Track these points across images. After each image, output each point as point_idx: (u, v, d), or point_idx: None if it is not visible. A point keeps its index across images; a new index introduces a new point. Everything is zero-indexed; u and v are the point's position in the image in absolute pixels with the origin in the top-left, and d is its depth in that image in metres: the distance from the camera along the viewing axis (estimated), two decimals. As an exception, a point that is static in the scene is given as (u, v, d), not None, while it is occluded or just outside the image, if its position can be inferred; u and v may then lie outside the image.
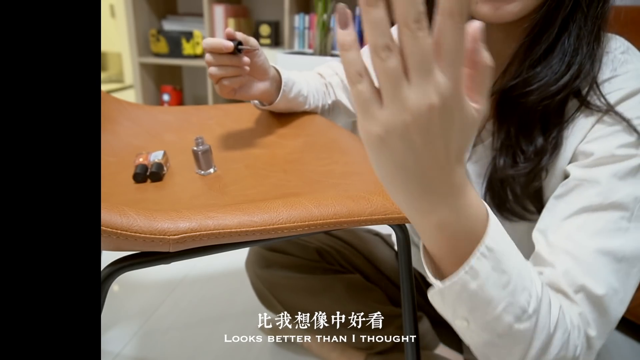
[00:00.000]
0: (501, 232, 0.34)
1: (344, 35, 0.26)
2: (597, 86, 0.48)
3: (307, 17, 2.01)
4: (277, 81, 0.68)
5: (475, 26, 0.26)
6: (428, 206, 0.30)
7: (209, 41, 0.57)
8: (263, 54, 0.63)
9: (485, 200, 0.55)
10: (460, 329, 0.39)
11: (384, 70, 0.25)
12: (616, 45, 0.50)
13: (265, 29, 2.16)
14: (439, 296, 0.36)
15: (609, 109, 0.47)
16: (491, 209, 0.53)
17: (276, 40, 2.18)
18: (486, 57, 0.27)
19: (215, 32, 2.12)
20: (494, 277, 0.33)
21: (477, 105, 0.28)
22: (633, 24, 0.59)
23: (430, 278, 0.36)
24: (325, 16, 1.79)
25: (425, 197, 0.30)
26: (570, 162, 0.50)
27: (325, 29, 1.83)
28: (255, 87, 0.65)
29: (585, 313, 0.42)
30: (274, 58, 2.03)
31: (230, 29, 0.58)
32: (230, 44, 0.57)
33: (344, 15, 0.26)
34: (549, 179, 0.52)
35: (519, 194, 0.53)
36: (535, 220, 0.50)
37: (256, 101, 0.73)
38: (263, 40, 2.17)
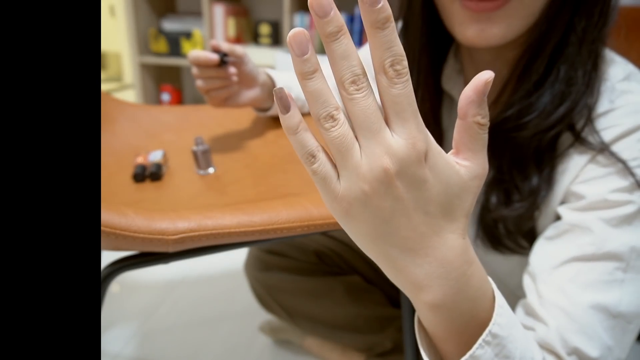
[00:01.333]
0: (507, 314, 0.30)
1: (288, 119, 0.24)
2: (592, 121, 0.44)
3: (307, 17, 2.01)
4: (269, 87, 0.68)
5: (484, 77, 0.23)
6: (417, 282, 0.26)
7: (194, 54, 0.57)
8: (250, 62, 0.63)
9: (477, 237, 0.52)
10: None
11: (332, 141, 0.23)
12: (616, 72, 0.46)
13: (265, 29, 2.16)
14: None
15: (604, 148, 0.43)
16: (484, 245, 0.51)
17: (276, 40, 2.18)
18: (474, 112, 0.24)
19: (215, 31, 2.12)
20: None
21: (465, 163, 0.25)
22: (634, 24, 0.58)
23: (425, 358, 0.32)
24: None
25: (413, 271, 0.26)
26: (561, 203, 0.47)
27: (325, 28, 1.82)
28: (245, 95, 0.64)
29: None
30: (274, 58, 2.03)
31: (215, 41, 0.58)
32: (216, 57, 0.56)
33: (284, 99, 0.24)
34: (541, 218, 0.49)
35: (512, 231, 0.50)
36: (527, 255, 0.48)
37: None
38: (263, 40, 2.17)
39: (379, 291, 0.84)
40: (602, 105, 0.45)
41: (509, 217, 0.48)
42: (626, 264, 0.41)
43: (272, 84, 0.68)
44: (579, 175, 0.45)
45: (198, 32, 2.19)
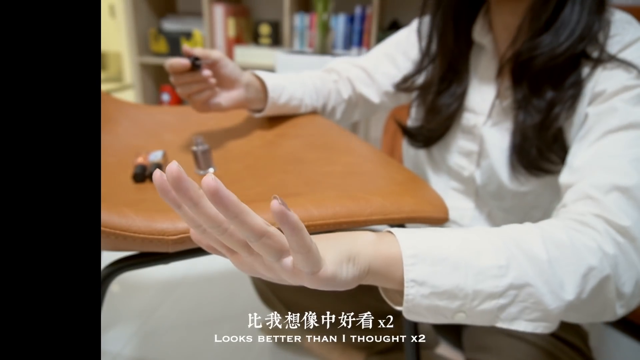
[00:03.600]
0: (413, 235, 0.37)
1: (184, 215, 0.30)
2: (603, 45, 0.53)
3: (307, 17, 2.01)
4: (256, 87, 0.68)
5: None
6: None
7: (168, 62, 0.59)
8: (230, 64, 0.64)
9: (511, 160, 0.60)
10: (467, 321, 0.39)
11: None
12: (621, 16, 0.55)
13: (265, 29, 2.16)
14: (414, 315, 0.38)
15: (612, 58, 0.52)
16: (519, 168, 0.59)
17: (276, 40, 2.18)
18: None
19: (214, 31, 2.12)
20: (440, 270, 0.36)
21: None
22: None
23: (397, 308, 0.40)
24: (325, 15, 1.79)
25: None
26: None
27: (325, 28, 1.82)
28: (227, 97, 0.65)
29: (614, 208, 0.44)
30: (274, 58, 2.03)
31: (187, 46, 0.59)
32: (186, 62, 0.58)
33: (163, 185, 0.27)
34: (566, 132, 0.56)
35: (542, 147, 0.56)
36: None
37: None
38: (263, 40, 2.17)
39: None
40: (613, 30, 0.53)
41: (528, 127, 0.56)
42: None
43: (260, 84, 0.68)
44: (597, 80, 0.53)
45: (198, 32, 2.19)
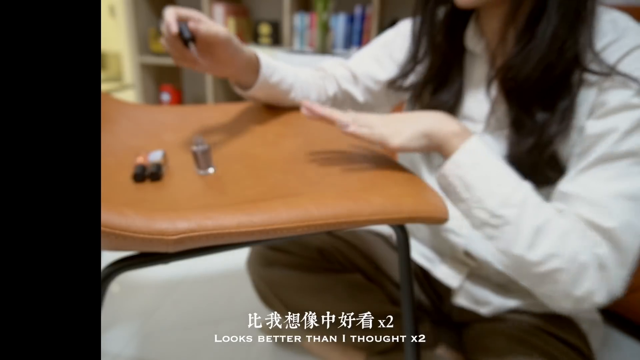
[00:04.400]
0: (479, 151, 0.52)
1: None
2: (597, 54, 0.51)
3: (307, 16, 2.01)
4: (251, 61, 0.66)
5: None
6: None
7: (165, 21, 0.55)
8: (233, 46, 0.60)
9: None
10: (465, 213, 0.53)
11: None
12: (611, 16, 0.54)
13: (265, 28, 2.16)
14: (443, 179, 0.54)
15: (611, 72, 0.50)
16: None
17: (276, 40, 2.18)
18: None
19: (215, 31, 2.12)
20: (477, 169, 0.51)
21: None
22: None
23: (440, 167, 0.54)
24: (325, 15, 1.79)
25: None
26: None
27: (325, 28, 1.82)
28: (217, 67, 0.62)
29: (597, 241, 0.49)
30: (274, 57, 2.03)
31: (181, 11, 0.55)
32: (174, 31, 0.53)
33: None
34: (563, 147, 0.56)
35: (537, 165, 0.57)
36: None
37: (237, 88, 0.72)
38: (263, 40, 2.17)
39: (380, 289, 0.84)
40: (607, 37, 0.52)
41: (523, 152, 0.57)
42: None
43: (255, 59, 0.67)
44: (601, 88, 0.52)
45: (198, 32, 2.19)
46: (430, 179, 0.72)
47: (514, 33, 0.55)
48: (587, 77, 0.53)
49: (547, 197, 0.58)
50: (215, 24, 0.58)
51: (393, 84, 0.73)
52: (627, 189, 0.48)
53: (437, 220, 0.46)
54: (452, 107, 0.67)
